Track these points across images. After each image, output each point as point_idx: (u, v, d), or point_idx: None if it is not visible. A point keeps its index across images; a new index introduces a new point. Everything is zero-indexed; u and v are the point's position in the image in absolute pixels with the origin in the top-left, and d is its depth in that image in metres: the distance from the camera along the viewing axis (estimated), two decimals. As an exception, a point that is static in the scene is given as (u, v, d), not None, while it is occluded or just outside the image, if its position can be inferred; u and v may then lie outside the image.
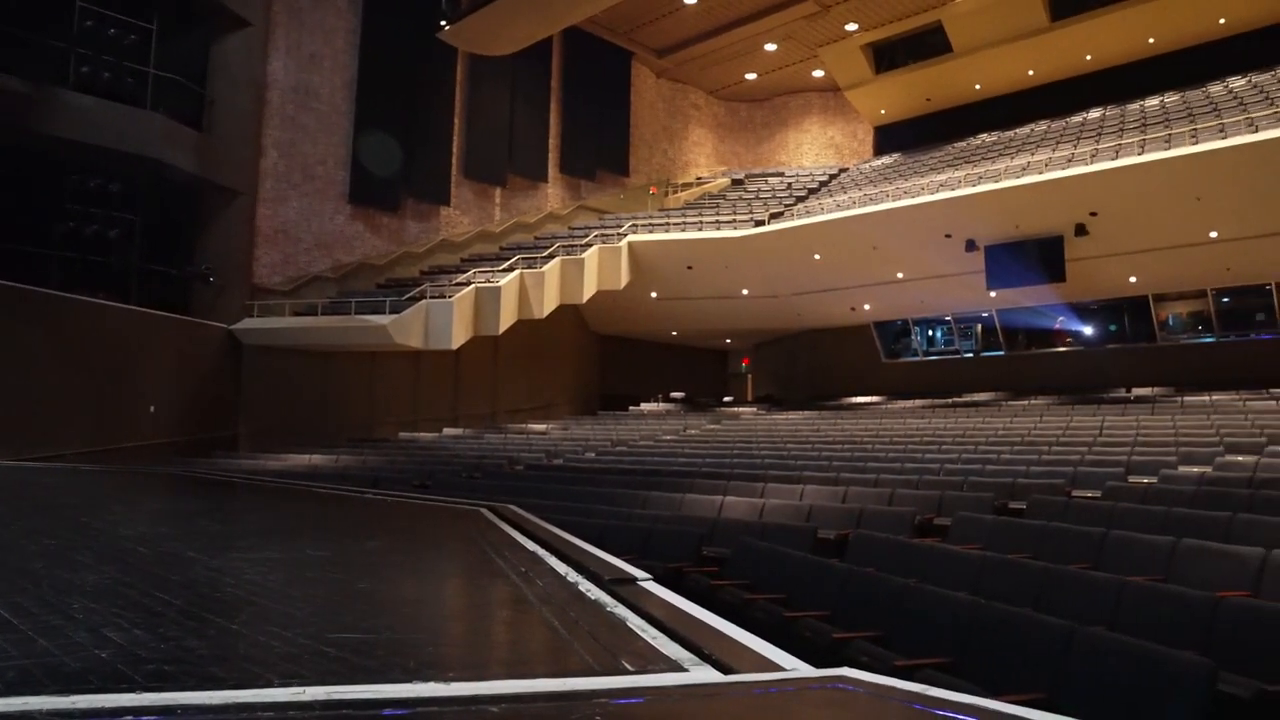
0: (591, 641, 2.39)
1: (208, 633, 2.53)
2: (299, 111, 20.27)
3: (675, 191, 28.68)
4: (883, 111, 28.53)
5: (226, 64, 18.80)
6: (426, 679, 1.95)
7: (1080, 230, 17.14)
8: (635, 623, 2.58)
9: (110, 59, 15.92)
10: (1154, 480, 8.74)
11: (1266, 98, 17.45)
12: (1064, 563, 5.13)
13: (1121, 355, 20.90)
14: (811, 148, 30.93)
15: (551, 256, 20.80)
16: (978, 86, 25.99)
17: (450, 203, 23.28)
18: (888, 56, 26.81)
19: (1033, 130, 23.41)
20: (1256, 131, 14.77)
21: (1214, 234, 16.46)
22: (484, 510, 6.34)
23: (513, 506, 6.49)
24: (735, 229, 21.45)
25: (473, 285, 19.08)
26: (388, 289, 20.20)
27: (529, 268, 20.24)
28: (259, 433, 18.60)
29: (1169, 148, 15.78)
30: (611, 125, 27.49)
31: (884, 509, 7.92)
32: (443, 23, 19.51)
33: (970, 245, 18.47)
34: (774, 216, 21.91)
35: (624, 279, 21.70)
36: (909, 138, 27.74)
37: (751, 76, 29.64)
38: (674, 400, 27.77)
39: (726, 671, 2.03)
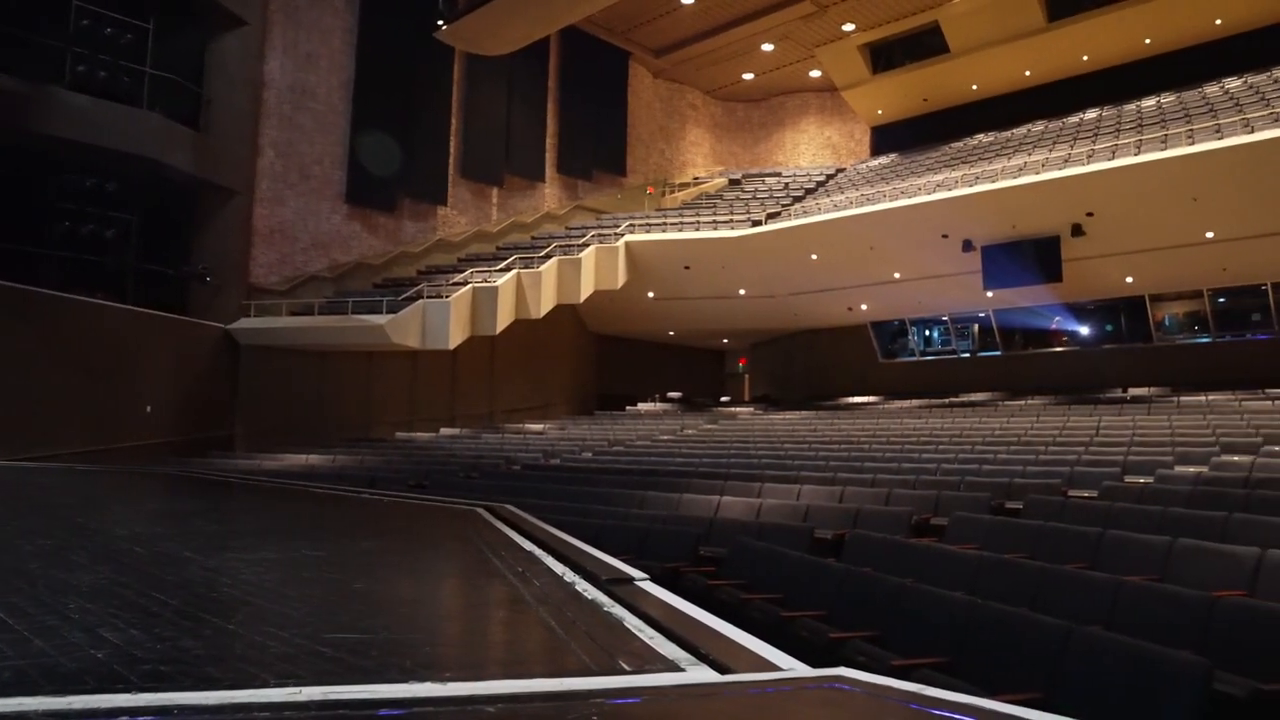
0: (588, 641, 2.39)
1: (204, 633, 2.52)
2: (296, 111, 20.25)
3: (672, 191, 28.68)
4: (880, 112, 28.56)
5: (223, 63, 18.77)
6: (423, 679, 1.95)
7: (1077, 230, 17.16)
8: (632, 623, 2.57)
9: (106, 58, 15.89)
10: (1150, 480, 8.75)
11: (1262, 98, 17.48)
12: (1060, 562, 5.13)
13: (1118, 355, 20.94)
14: (809, 148, 30.95)
15: (548, 256, 20.80)
16: (975, 87, 26.02)
17: (447, 203, 23.26)
18: (885, 57, 26.83)
19: (1029, 131, 23.43)
20: (1252, 132, 14.80)
21: (1210, 234, 16.50)
22: (481, 510, 6.34)
23: (510, 506, 6.48)
24: (732, 229, 21.46)
25: (470, 285, 19.08)
26: (384, 289, 20.18)
27: (526, 268, 20.23)
28: (255, 433, 18.58)
29: (1165, 148, 15.81)
30: (609, 125, 27.49)
31: (881, 509, 7.93)
32: (440, 22, 19.48)
33: (967, 245, 18.49)
34: (771, 217, 21.91)
35: (621, 279, 21.70)
36: (906, 138, 27.76)
37: (749, 76, 29.65)
38: (671, 400, 27.78)
39: (723, 671, 2.03)
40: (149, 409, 16.54)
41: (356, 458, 15.58)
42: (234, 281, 18.70)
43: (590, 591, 3.12)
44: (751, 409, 24.32)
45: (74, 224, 15.56)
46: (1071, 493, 8.41)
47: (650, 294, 23.61)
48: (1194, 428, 12.85)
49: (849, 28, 25.77)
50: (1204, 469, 9.40)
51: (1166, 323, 20.51)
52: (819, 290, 22.31)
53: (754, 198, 25.21)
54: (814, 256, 20.70)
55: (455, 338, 18.34)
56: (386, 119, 21.21)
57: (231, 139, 18.70)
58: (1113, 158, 16.43)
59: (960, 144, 24.80)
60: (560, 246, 21.46)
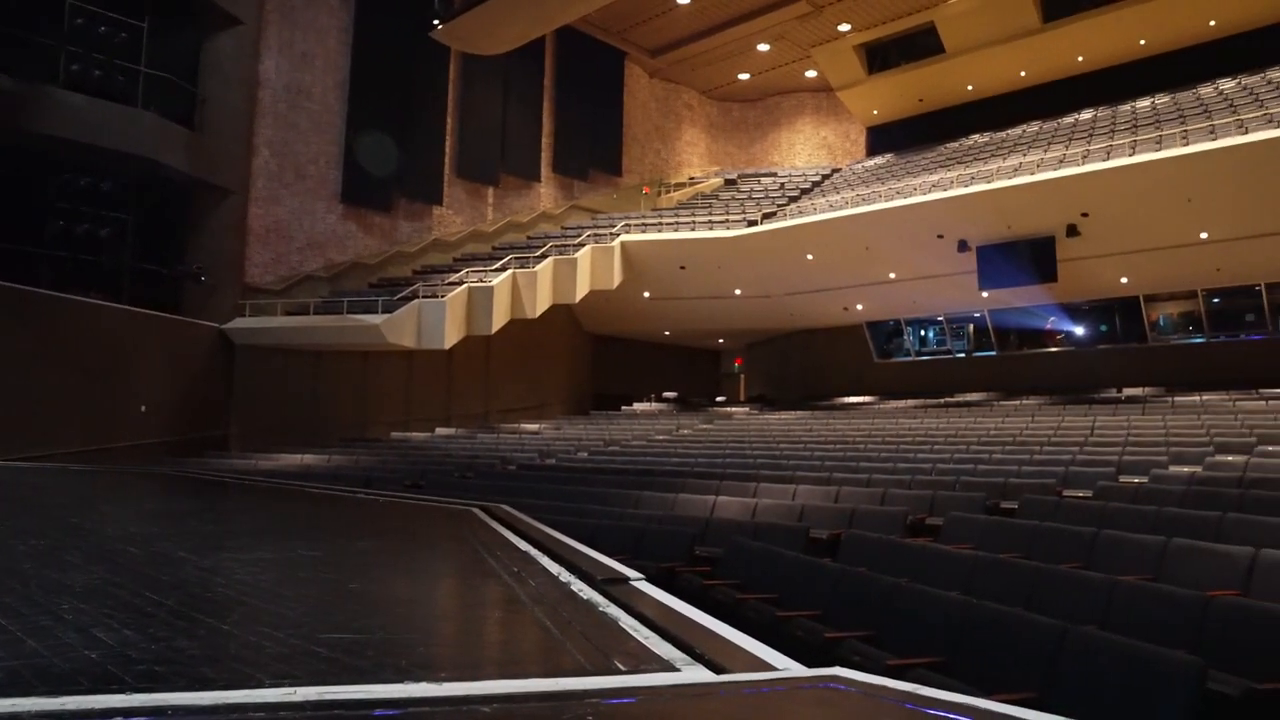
0: (584, 641, 2.39)
1: (198, 633, 2.52)
2: (291, 110, 20.22)
3: (668, 191, 28.69)
4: (875, 112, 28.59)
5: (218, 62, 18.73)
6: (418, 679, 1.95)
7: (1072, 231, 17.20)
8: (627, 622, 2.58)
9: (101, 57, 15.84)
10: (1145, 480, 8.78)
11: (1256, 99, 17.55)
12: (1055, 562, 5.15)
13: (1113, 355, 20.99)
14: (804, 148, 30.98)
15: (544, 256, 20.78)
16: (970, 87, 26.06)
17: (443, 202, 23.24)
18: (880, 57, 26.85)
19: (1024, 131, 23.48)
20: (1247, 133, 14.85)
21: (1204, 235, 16.55)
22: (476, 510, 6.33)
23: (505, 506, 6.48)
24: (728, 229, 21.47)
25: (465, 285, 19.06)
26: (380, 288, 20.15)
27: (522, 267, 20.22)
28: (251, 432, 18.55)
29: (1160, 149, 15.85)
30: (604, 125, 27.48)
31: (876, 509, 7.94)
32: (435, 22, 19.45)
33: (962, 245, 18.52)
34: (767, 217, 21.93)
35: (617, 279, 21.70)
36: (901, 138, 27.80)
37: (744, 76, 29.67)
38: (667, 400, 27.77)
39: (718, 671, 2.03)
40: (144, 409, 16.49)
41: (352, 458, 15.56)
42: (229, 281, 18.67)
43: (585, 591, 3.12)
44: (747, 409, 24.33)
45: (69, 223, 15.50)
46: (1066, 493, 8.43)
47: (646, 294, 23.61)
48: (1188, 428, 12.89)
49: (845, 28, 25.80)
50: (1198, 469, 9.42)
51: (1161, 323, 20.56)
52: (814, 290, 22.33)
53: (749, 198, 25.22)
54: (809, 257, 20.72)
55: (451, 337, 18.32)
56: (382, 118, 21.19)
57: (227, 138, 18.66)
58: (1107, 158, 16.47)
59: (956, 144, 24.84)
60: (556, 246, 21.45)
